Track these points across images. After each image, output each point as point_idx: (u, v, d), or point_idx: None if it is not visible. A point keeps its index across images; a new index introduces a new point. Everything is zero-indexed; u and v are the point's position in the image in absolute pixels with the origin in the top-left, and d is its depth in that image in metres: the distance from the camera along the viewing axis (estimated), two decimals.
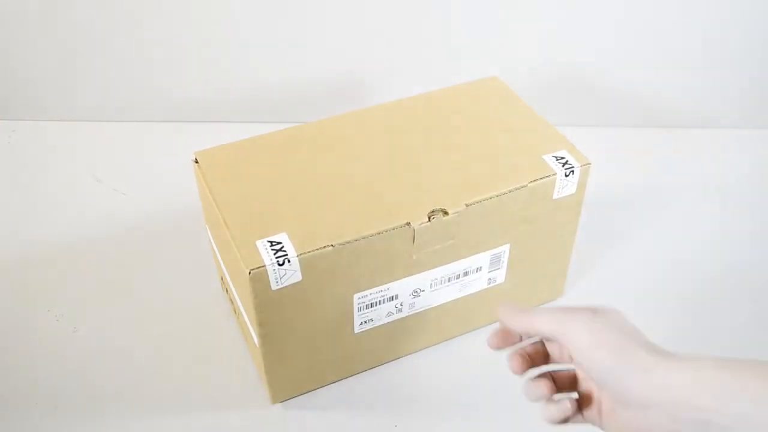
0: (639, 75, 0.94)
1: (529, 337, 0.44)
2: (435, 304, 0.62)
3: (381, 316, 0.60)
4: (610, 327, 0.39)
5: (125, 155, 0.92)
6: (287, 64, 0.93)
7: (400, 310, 0.61)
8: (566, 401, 0.42)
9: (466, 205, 0.57)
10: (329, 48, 0.92)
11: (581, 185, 0.62)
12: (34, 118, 0.97)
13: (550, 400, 0.42)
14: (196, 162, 0.60)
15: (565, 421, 0.42)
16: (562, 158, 0.61)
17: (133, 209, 0.83)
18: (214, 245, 0.66)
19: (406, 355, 0.66)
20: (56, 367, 0.65)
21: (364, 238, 0.53)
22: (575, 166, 0.60)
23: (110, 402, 0.63)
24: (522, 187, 0.58)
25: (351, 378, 0.65)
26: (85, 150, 0.92)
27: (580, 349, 0.39)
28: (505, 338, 0.45)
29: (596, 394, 0.42)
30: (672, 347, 0.37)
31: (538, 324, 0.41)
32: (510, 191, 0.58)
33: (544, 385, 0.42)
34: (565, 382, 0.44)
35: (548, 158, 0.61)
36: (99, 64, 0.93)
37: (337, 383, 0.64)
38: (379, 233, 0.53)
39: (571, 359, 0.42)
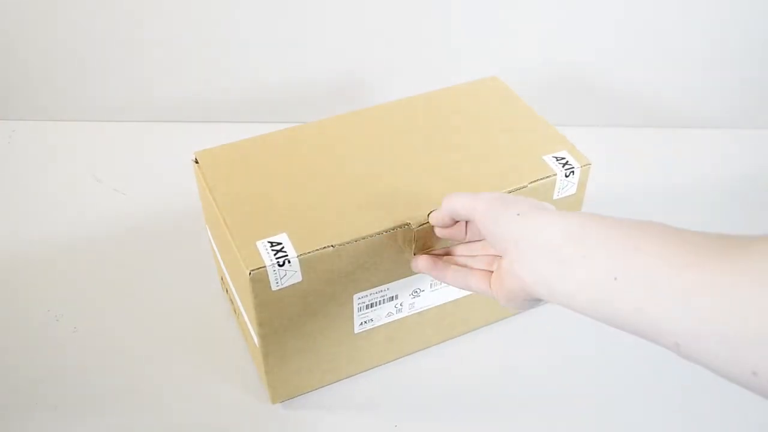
0: (639, 75, 0.94)
1: (455, 220, 0.52)
2: (435, 304, 0.62)
3: (381, 316, 0.60)
4: (510, 196, 0.48)
5: (125, 155, 0.92)
6: (287, 64, 0.93)
7: (400, 310, 0.61)
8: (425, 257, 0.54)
9: None
10: (329, 48, 0.92)
11: (581, 185, 0.62)
12: (34, 118, 0.97)
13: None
14: (196, 162, 0.60)
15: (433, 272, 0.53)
16: (563, 158, 0.61)
17: (133, 209, 0.82)
18: (214, 245, 0.66)
19: (406, 355, 0.66)
20: (56, 367, 0.65)
21: (364, 238, 0.53)
22: (575, 167, 0.60)
23: (110, 402, 0.63)
24: (522, 187, 0.58)
25: (351, 378, 0.65)
26: (85, 150, 0.92)
27: (481, 213, 0.47)
28: (454, 233, 0.53)
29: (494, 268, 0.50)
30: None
31: (456, 204, 0.49)
32: (510, 191, 0.58)
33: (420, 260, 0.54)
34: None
35: (548, 159, 0.61)
36: (99, 64, 0.93)
37: (337, 383, 0.64)
38: (378, 233, 0.53)
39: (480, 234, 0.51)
